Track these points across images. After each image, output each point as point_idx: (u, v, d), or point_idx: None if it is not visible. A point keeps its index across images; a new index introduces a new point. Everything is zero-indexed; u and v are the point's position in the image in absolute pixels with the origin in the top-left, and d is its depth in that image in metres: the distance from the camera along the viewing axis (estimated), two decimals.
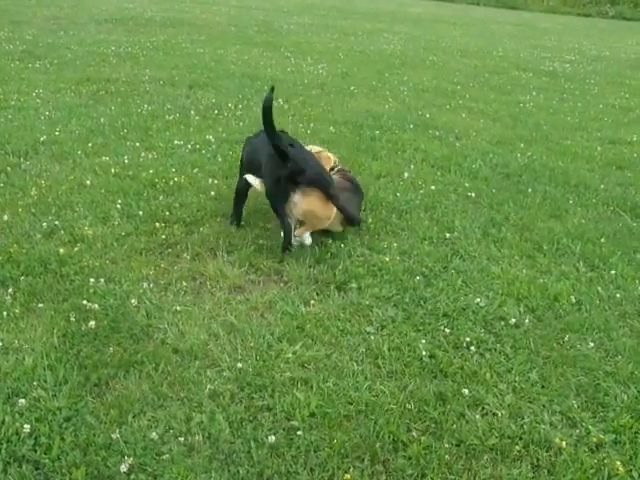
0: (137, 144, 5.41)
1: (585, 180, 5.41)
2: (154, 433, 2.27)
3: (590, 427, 2.47)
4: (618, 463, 2.27)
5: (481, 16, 25.19)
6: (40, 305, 2.97)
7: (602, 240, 4.17)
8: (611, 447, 2.38)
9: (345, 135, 6.16)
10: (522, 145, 6.39)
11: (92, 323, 2.84)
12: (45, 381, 2.48)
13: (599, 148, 6.53)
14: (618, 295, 3.49)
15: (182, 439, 2.26)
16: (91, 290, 3.12)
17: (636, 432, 2.46)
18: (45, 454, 2.15)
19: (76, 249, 3.50)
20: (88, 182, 4.45)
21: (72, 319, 2.87)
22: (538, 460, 2.31)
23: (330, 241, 3.79)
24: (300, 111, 7.02)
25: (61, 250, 3.44)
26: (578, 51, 15.36)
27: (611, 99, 9.47)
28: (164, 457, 2.18)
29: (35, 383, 2.46)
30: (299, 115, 6.82)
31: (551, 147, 6.46)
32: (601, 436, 2.42)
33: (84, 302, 2.99)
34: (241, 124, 6.28)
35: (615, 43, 18.29)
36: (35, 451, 2.16)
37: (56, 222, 3.79)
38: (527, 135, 6.84)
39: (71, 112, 6.25)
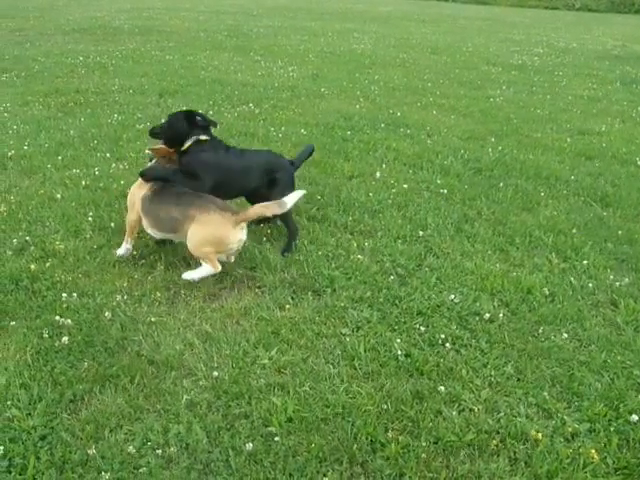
0: (108, 155, 5.37)
1: (556, 172, 5.48)
2: (131, 447, 2.25)
3: (565, 417, 2.50)
4: (593, 451, 2.30)
5: (450, 12, 25.38)
6: (12, 323, 2.93)
7: (574, 231, 4.23)
8: (586, 436, 2.41)
9: (317, 137, 6.16)
10: (493, 140, 6.45)
11: (65, 339, 2.81)
12: (19, 400, 2.45)
13: (569, 139, 6.62)
14: (590, 285, 3.54)
15: (159, 451, 2.25)
16: (64, 305, 3.09)
17: (610, 420, 2.50)
18: (20, 475, 2.12)
19: (48, 264, 3.46)
20: (58, 196, 4.40)
21: (45, 335, 2.84)
22: (515, 453, 2.33)
23: (302, 243, 3.79)
24: (271, 115, 7.01)
25: (32, 266, 3.40)
26: (546, 44, 15.55)
27: (579, 90, 9.60)
28: (141, 470, 2.17)
29: (9, 402, 2.43)
30: (270, 119, 6.82)
31: (521, 140, 6.53)
32: (576, 425, 2.45)
33: (57, 318, 2.96)
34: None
35: (582, 35, 18.55)
36: (10, 472, 2.13)
37: (27, 238, 3.75)
38: (498, 129, 6.91)
39: (40, 125, 6.18)
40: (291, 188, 3.81)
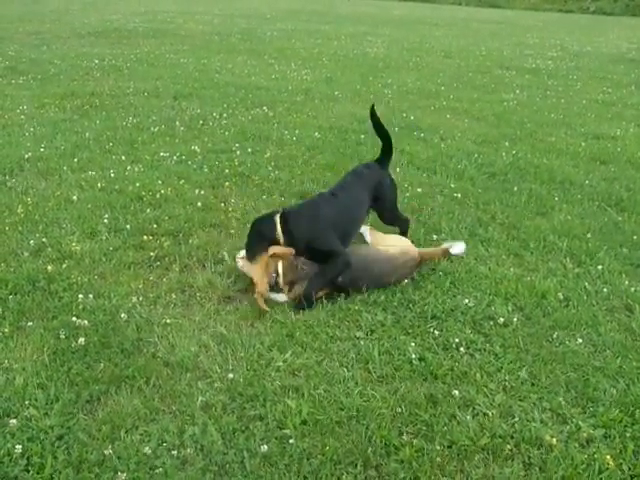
0: (123, 157, 5.42)
1: (570, 176, 5.46)
2: (147, 447, 2.27)
3: (580, 423, 2.49)
4: (608, 457, 2.29)
5: (464, 15, 25.36)
6: (29, 323, 2.97)
7: (588, 235, 4.21)
8: (601, 442, 2.40)
9: (330, 141, 6.18)
10: (507, 144, 6.44)
11: (82, 339, 2.83)
12: (36, 400, 2.47)
13: (583, 144, 6.59)
14: (605, 290, 3.52)
15: (175, 452, 2.26)
16: (80, 306, 3.12)
17: (625, 426, 2.48)
18: (38, 474, 2.14)
19: (64, 265, 3.50)
20: (74, 198, 4.45)
21: (62, 336, 2.87)
22: (529, 458, 2.32)
23: None
24: (285, 118, 7.04)
25: (49, 267, 3.44)
26: (560, 47, 15.48)
27: (594, 94, 9.55)
28: (157, 471, 2.18)
29: (26, 402, 2.46)
30: (284, 122, 6.85)
31: (535, 144, 6.51)
32: (591, 431, 2.44)
33: (73, 319, 2.98)
34: (227, 133, 6.30)
35: (596, 38, 18.45)
36: (27, 471, 2.15)
37: (43, 239, 3.79)
38: (511, 133, 6.90)
39: (56, 127, 6.25)
40: (393, 194, 3.93)
